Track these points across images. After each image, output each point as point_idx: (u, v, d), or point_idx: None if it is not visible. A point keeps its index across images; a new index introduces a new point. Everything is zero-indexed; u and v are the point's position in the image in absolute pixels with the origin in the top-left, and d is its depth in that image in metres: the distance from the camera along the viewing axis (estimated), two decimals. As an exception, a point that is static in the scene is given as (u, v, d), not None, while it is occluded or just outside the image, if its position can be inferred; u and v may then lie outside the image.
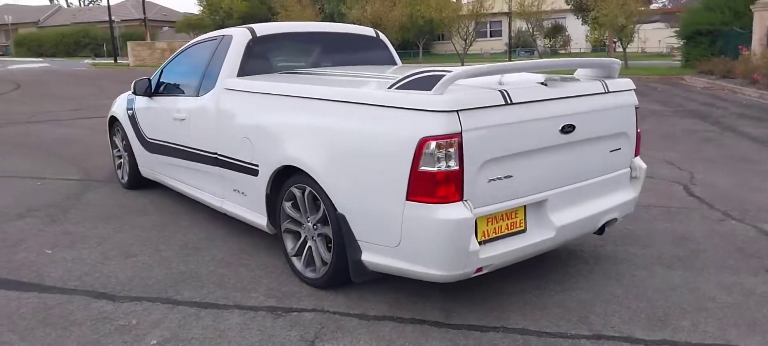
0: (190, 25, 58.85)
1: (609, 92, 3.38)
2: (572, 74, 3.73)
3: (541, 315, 3.07)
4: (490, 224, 2.90)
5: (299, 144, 3.31)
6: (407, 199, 2.75)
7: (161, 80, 5.03)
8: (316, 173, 3.17)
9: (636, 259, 3.86)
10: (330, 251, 3.25)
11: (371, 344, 2.80)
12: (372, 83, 3.38)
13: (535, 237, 3.06)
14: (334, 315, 3.09)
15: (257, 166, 3.65)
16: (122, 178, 5.81)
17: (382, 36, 5.09)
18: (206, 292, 3.38)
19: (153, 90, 5.04)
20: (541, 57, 29.51)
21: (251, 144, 3.70)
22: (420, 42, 35.38)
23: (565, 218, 3.14)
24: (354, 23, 33.80)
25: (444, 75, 2.72)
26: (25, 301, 3.29)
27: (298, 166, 3.29)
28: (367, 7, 31.31)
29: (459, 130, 2.65)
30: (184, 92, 4.63)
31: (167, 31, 61.25)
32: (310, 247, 3.41)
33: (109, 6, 34.74)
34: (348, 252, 3.10)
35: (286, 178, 3.46)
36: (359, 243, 3.03)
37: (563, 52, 38.98)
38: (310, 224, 3.37)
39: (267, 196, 3.62)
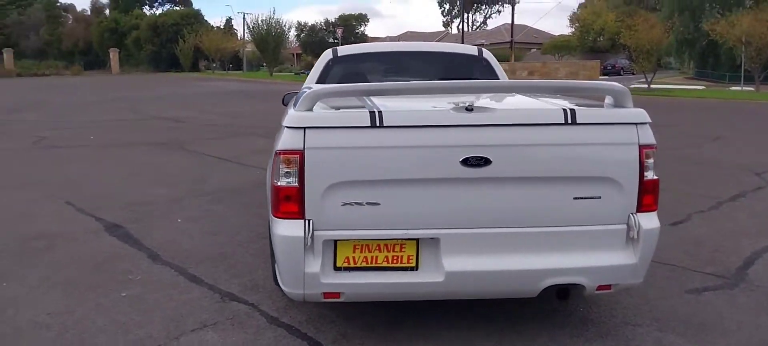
0: (556, 47, 60.04)
1: (575, 124, 2.68)
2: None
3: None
4: (358, 251, 2.72)
5: None
6: (270, 212, 2.82)
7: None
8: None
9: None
10: None
11: (235, 341, 2.97)
12: None
13: (424, 278, 2.72)
14: (253, 311, 3.33)
15: None
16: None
17: (486, 54, 4.80)
18: (211, 271, 3.96)
19: None
20: None
21: None
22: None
23: (463, 265, 2.68)
24: (716, 40, 29.43)
25: (304, 92, 2.71)
26: (112, 249, 4.44)
27: None
28: (742, 22, 26.81)
29: (301, 147, 2.61)
30: (299, 104, 5.30)
31: (534, 53, 63.57)
32: None
33: (462, 33, 38.16)
34: (272, 258, 3.28)
35: None
36: None
37: None
38: None
39: None
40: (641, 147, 2.73)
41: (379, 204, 2.67)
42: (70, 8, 75.41)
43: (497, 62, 4.83)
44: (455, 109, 2.69)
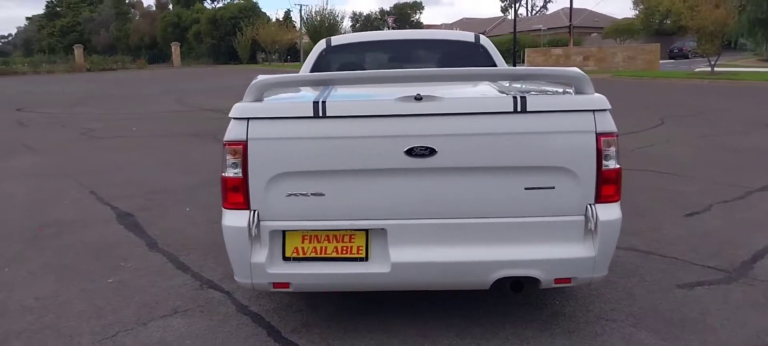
0: (618, 31, 57.79)
1: (525, 113, 2.59)
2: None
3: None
4: (307, 241, 2.73)
5: None
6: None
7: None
8: None
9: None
10: None
11: (199, 327, 3.04)
12: None
13: (372, 269, 2.70)
14: (226, 298, 3.40)
15: None
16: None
17: (483, 40, 4.66)
18: (200, 259, 4.06)
19: None
20: None
21: None
22: None
23: (409, 256, 2.64)
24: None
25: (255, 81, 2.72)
26: (116, 237, 4.63)
27: None
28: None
29: (244, 138, 2.63)
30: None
31: (594, 37, 61.48)
32: None
33: (515, 18, 37.40)
34: None
35: None
36: None
37: None
38: None
39: None
40: (599, 135, 2.60)
41: (324, 195, 2.66)
42: (136, 4, 78.65)
43: (495, 48, 4.68)
44: (402, 99, 2.64)
